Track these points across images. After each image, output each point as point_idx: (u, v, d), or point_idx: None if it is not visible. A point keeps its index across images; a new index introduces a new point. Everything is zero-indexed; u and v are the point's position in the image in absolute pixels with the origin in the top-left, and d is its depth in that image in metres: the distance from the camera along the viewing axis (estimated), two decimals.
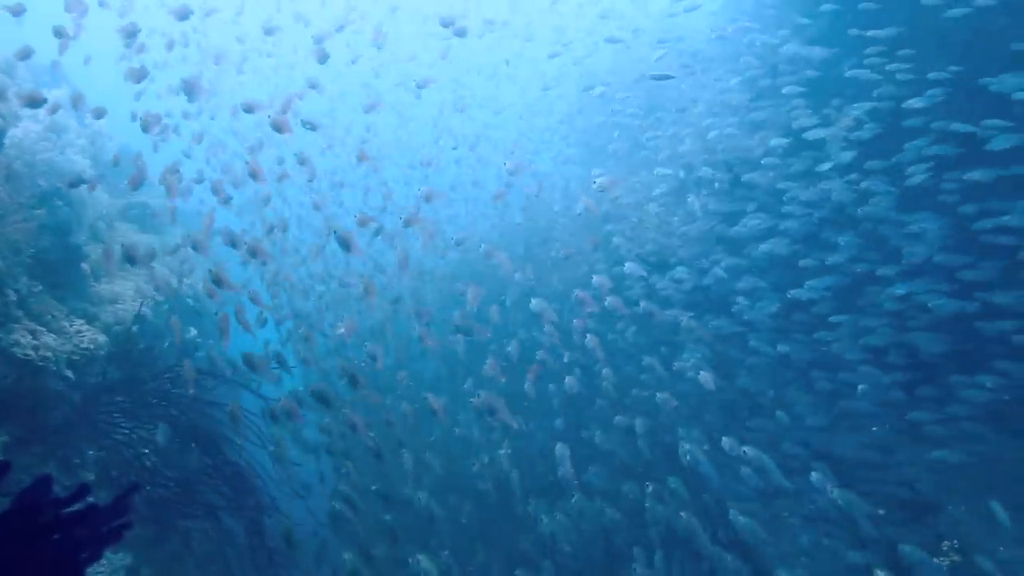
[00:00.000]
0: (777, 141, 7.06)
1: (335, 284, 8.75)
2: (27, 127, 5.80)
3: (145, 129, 5.10)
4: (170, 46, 7.52)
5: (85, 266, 6.10)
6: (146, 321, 6.32)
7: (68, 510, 1.61)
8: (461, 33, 6.30)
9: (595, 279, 5.89)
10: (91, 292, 6.05)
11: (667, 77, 7.13)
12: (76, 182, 4.59)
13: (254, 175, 4.71)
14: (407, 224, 4.84)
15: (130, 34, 5.41)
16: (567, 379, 5.36)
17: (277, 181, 7.03)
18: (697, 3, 8.80)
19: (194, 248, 5.14)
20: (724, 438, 4.97)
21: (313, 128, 5.05)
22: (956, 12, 5.58)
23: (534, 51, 12.71)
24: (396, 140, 13.66)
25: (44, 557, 1.49)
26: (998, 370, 5.17)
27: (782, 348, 6.26)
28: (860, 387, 5.79)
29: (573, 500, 5.15)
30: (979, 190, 5.42)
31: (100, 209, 6.86)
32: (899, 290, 5.68)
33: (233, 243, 4.99)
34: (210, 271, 4.49)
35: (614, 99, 10.04)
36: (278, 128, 4.62)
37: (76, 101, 4.79)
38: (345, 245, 4.48)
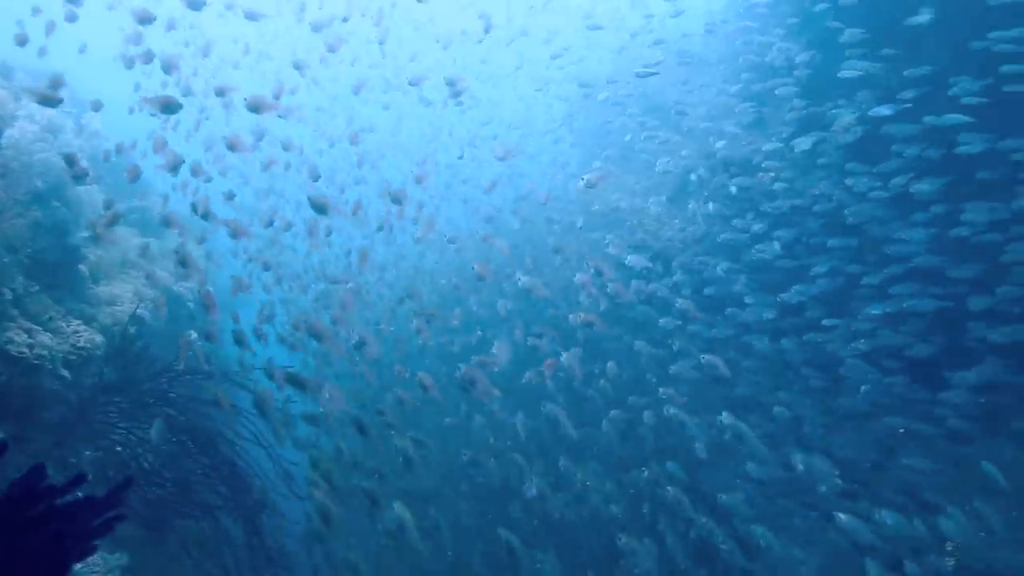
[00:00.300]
0: (772, 145, 7.09)
1: (331, 282, 8.75)
2: (23, 127, 5.79)
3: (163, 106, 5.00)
4: (170, 27, 7.38)
5: (83, 268, 6.08)
6: (144, 323, 6.30)
7: (61, 500, 1.58)
8: (488, 28, 6.32)
9: (592, 263, 5.80)
10: (89, 294, 6.02)
11: (652, 74, 7.16)
12: (78, 174, 4.55)
13: (232, 147, 4.68)
14: (396, 200, 4.82)
15: (144, 20, 5.32)
16: (565, 356, 5.23)
17: (265, 169, 6.99)
18: (681, 8, 8.86)
19: (167, 224, 5.07)
20: (724, 412, 4.99)
21: (284, 117, 5.02)
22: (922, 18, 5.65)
23: (531, 53, 12.73)
24: (394, 141, 13.67)
25: (28, 549, 1.45)
26: (978, 372, 5.23)
27: (776, 349, 6.27)
28: (863, 388, 5.80)
29: (577, 476, 5.11)
30: (957, 192, 5.47)
31: (98, 210, 6.84)
32: (875, 310, 5.79)
33: (207, 217, 4.94)
34: (176, 252, 4.45)
35: (612, 102, 10.06)
36: (255, 108, 4.57)
37: (56, 83, 4.67)
38: (322, 209, 4.45)
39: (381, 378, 6.96)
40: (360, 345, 4.86)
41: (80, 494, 1.69)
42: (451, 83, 4.99)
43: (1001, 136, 5.18)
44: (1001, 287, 5.20)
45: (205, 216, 4.99)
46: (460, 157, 11.25)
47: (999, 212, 5.21)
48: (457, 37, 9.72)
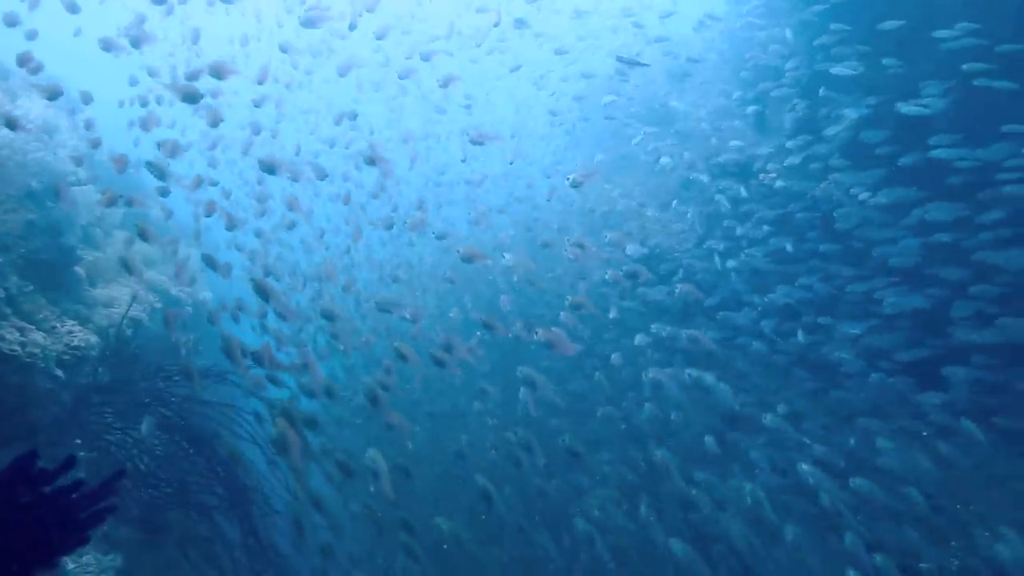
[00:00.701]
0: (768, 148, 7.09)
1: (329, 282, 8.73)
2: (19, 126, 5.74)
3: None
4: (169, 11, 7.22)
5: (79, 270, 6.03)
6: (141, 325, 6.24)
7: (52, 486, 1.55)
8: (497, 22, 6.30)
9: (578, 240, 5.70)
10: (85, 295, 5.97)
11: (636, 64, 7.09)
12: (79, 161, 4.49)
13: (213, 123, 4.63)
14: (386, 176, 4.80)
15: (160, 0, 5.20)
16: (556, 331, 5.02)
17: (245, 154, 6.91)
18: (674, 10, 8.87)
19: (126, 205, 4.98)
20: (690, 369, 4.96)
21: (258, 105, 4.99)
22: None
23: (530, 54, 12.72)
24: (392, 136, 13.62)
25: (17, 534, 1.42)
26: (960, 376, 5.23)
27: (770, 350, 6.27)
28: (862, 389, 5.78)
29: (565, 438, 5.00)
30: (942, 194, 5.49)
31: (94, 211, 6.79)
32: (855, 329, 5.78)
33: (163, 175, 4.89)
34: (136, 225, 4.39)
35: (612, 105, 10.07)
36: (217, 74, 4.51)
37: (24, 60, 4.53)
38: (270, 170, 4.44)
39: (368, 372, 6.95)
40: (329, 317, 4.80)
41: (71, 480, 1.66)
42: (426, 57, 4.89)
43: (985, 139, 5.20)
44: (977, 286, 5.21)
45: (161, 174, 4.87)
46: (463, 160, 11.22)
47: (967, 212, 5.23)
48: (455, 36, 9.72)
